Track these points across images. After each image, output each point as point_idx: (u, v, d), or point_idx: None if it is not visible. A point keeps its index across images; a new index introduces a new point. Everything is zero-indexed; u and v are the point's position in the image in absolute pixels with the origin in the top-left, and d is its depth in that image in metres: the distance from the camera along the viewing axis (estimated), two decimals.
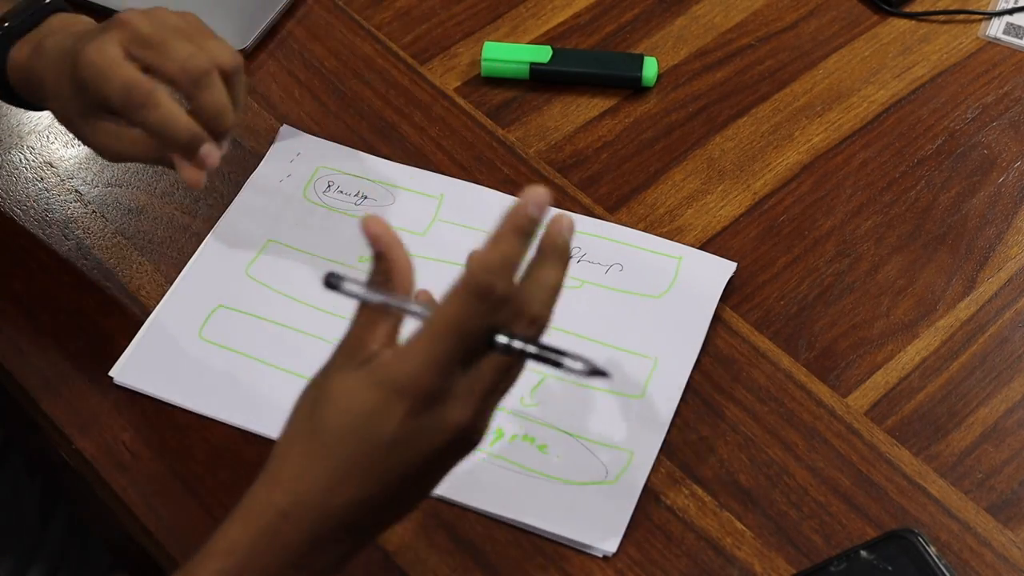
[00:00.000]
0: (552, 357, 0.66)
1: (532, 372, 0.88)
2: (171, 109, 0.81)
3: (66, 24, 0.89)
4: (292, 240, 0.96)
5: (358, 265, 0.94)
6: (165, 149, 0.84)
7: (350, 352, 0.69)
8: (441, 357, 0.65)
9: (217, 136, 0.83)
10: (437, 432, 0.67)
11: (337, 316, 0.92)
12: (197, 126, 0.82)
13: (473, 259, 0.65)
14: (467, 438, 0.69)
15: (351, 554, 0.70)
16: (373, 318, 0.69)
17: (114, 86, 0.81)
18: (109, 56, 0.81)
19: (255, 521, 0.67)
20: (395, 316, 0.69)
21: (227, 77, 0.83)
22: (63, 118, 0.88)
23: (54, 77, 0.86)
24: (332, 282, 0.68)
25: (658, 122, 1.04)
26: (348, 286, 0.68)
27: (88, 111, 0.85)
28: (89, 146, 0.88)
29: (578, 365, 0.65)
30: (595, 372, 0.65)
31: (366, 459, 0.67)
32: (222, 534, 0.67)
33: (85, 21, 0.89)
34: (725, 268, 0.94)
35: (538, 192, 0.66)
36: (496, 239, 0.65)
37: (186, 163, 0.83)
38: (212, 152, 0.82)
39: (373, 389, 0.66)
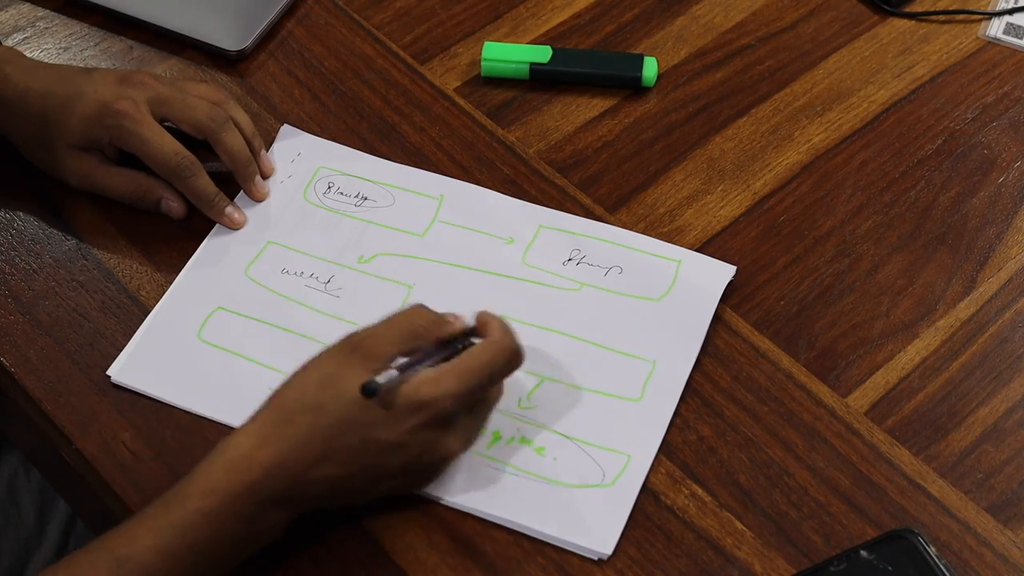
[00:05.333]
0: None
1: (529, 375, 0.88)
2: (206, 175, 0.94)
3: (16, 55, 0.97)
4: (292, 242, 0.96)
5: (358, 266, 0.94)
6: (198, 206, 0.96)
7: (367, 355, 0.77)
8: (464, 392, 0.77)
9: (246, 176, 0.96)
10: (433, 451, 0.78)
11: (335, 318, 0.92)
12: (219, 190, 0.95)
13: (510, 333, 0.79)
14: (443, 467, 0.80)
15: (289, 520, 0.77)
16: (394, 337, 0.78)
17: (166, 154, 0.92)
18: (152, 123, 0.92)
19: (239, 474, 0.73)
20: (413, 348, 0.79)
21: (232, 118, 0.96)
22: (41, 147, 0.95)
23: (37, 109, 0.94)
24: (370, 389, 0.75)
25: (658, 122, 1.04)
26: (383, 383, 0.75)
27: (82, 146, 0.94)
28: (62, 173, 0.96)
29: None
30: None
31: (363, 452, 0.75)
32: (203, 476, 0.73)
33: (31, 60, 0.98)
34: (724, 272, 0.94)
35: None
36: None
37: (174, 196, 0.95)
38: (235, 215, 0.96)
39: (392, 396, 0.75)
